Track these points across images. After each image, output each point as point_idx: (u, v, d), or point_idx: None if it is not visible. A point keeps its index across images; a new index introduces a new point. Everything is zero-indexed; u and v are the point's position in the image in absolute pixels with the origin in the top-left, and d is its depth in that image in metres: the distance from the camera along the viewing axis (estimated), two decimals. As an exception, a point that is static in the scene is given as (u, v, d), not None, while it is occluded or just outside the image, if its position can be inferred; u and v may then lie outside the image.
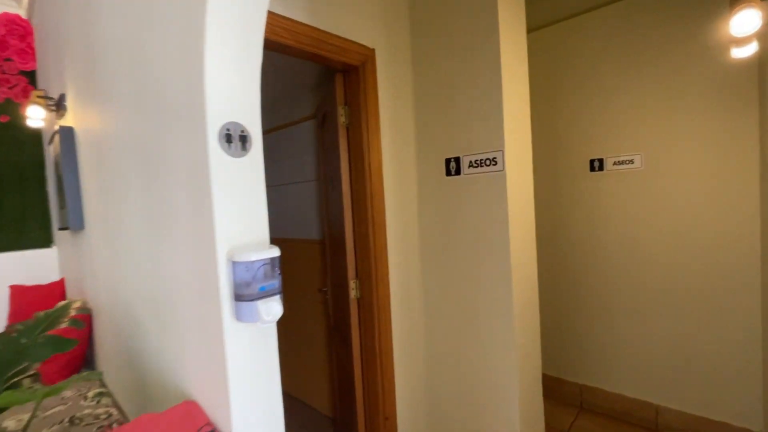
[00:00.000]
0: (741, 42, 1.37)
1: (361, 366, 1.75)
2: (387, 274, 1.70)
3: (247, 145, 0.83)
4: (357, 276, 1.74)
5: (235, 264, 0.76)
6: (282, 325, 2.95)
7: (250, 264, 0.75)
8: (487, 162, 1.63)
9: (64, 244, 2.56)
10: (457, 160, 1.74)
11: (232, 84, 0.81)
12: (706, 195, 2.10)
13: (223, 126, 0.79)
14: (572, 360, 2.67)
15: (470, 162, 1.69)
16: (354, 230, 1.73)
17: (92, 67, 1.47)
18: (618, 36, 2.34)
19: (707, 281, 2.12)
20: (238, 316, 0.77)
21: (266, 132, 2.96)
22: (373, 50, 1.66)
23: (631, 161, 2.34)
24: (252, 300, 0.75)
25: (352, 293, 1.74)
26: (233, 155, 0.80)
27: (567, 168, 2.60)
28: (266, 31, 1.26)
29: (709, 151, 2.08)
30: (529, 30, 2.70)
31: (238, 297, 0.76)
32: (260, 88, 0.88)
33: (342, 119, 1.71)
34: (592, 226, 2.52)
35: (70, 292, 2.52)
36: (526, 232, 1.73)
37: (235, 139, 0.81)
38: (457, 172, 1.75)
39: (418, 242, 1.91)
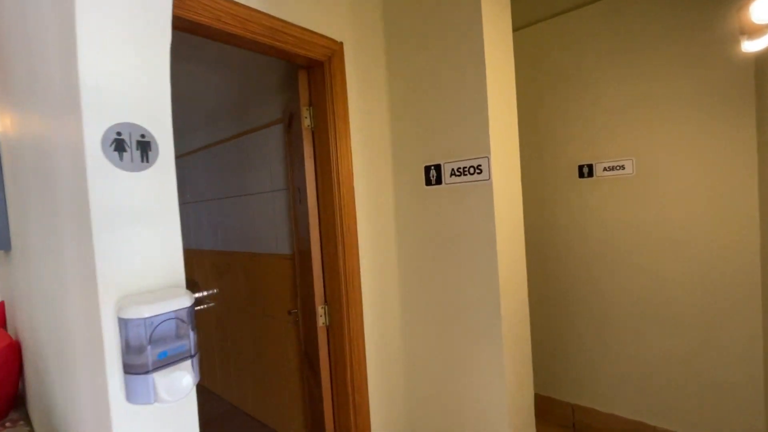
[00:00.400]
0: (755, 33, 1.23)
1: (332, 403, 1.53)
2: (360, 299, 1.49)
3: (151, 154, 0.61)
4: (326, 301, 1.52)
5: (122, 321, 0.54)
6: (251, 348, 2.70)
7: (142, 321, 0.53)
8: (471, 170, 1.45)
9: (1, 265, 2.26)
10: (438, 167, 1.55)
11: (125, 71, 0.59)
12: (703, 202, 1.97)
13: (111, 129, 0.57)
14: (564, 378, 2.50)
15: (452, 170, 1.51)
16: (322, 249, 1.52)
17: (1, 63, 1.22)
18: (607, 33, 2.21)
19: (705, 294, 1.98)
20: (128, 395, 0.54)
21: (232, 138, 2.73)
22: (340, 44, 1.46)
23: (622, 167, 2.20)
24: (146, 372, 0.53)
25: (320, 320, 1.52)
26: (128, 168, 0.59)
27: (554, 174, 2.46)
28: (207, 17, 1.05)
29: (705, 156, 1.95)
30: (514, 29, 2.55)
31: (128, 368, 0.54)
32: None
33: (306, 122, 1.51)
34: (582, 237, 2.37)
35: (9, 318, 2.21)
36: (516, 248, 1.55)
37: (130, 146, 0.59)
38: (438, 181, 1.56)
39: (397, 262, 1.71)
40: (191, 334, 0.61)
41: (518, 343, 1.52)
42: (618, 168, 2.22)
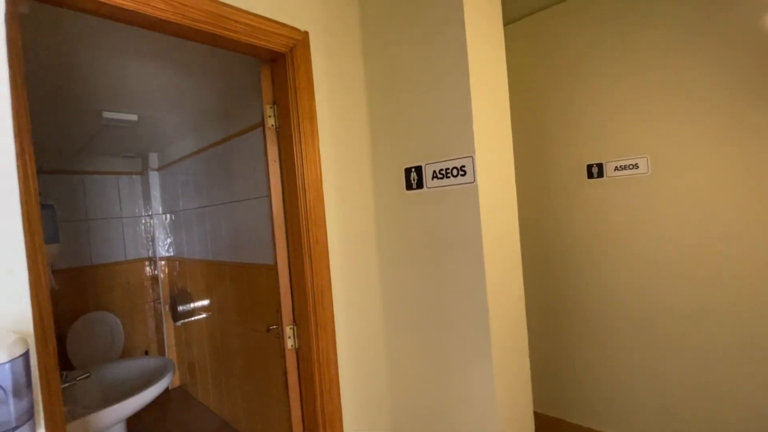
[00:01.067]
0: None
1: (303, 436, 1.37)
2: (331, 320, 1.32)
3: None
4: (294, 320, 1.36)
5: None
6: (240, 363, 2.56)
7: None
8: (455, 172, 1.27)
9: None
10: (419, 170, 1.38)
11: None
12: (730, 203, 1.73)
13: None
14: (574, 398, 2.27)
15: (434, 172, 1.33)
16: (289, 263, 1.36)
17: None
18: (615, 18, 1.99)
19: (734, 305, 1.74)
20: None
21: (218, 143, 2.61)
22: (305, 33, 1.31)
23: (636, 165, 1.98)
24: None
25: (289, 342, 1.36)
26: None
27: (560, 175, 2.24)
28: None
29: (733, 151, 1.72)
30: (511, 20, 2.36)
31: None
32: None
33: (270, 121, 1.35)
34: (592, 242, 2.15)
35: None
36: (509, 257, 1.36)
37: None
38: (420, 185, 1.38)
39: (378, 277, 1.53)
40: (26, 396, 0.45)
41: (513, 357, 1.32)
42: (631, 167, 1.99)
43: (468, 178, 1.23)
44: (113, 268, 3.32)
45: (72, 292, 3.07)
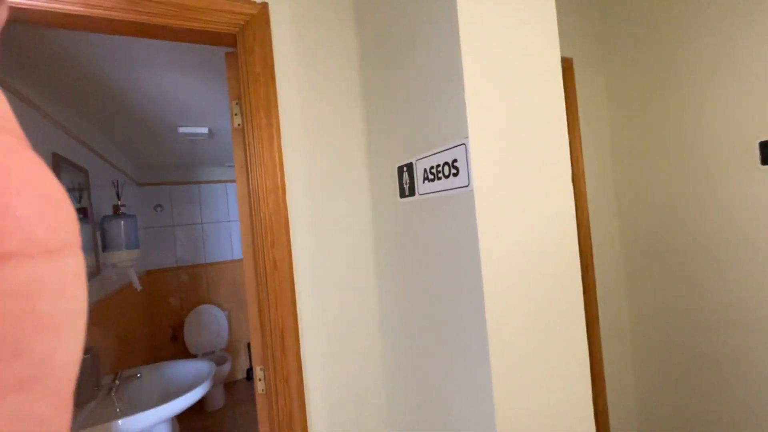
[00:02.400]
0: None
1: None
2: (297, 368, 1.03)
3: None
4: (262, 360, 1.12)
5: None
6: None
7: None
8: (446, 169, 0.82)
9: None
10: (410, 169, 0.96)
11: None
12: None
13: None
14: None
15: (425, 171, 0.90)
16: (258, 292, 1.12)
17: None
18: None
19: None
20: None
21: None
22: (262, 5, 1.04)
23: None
24: None
25: (259, 385, 1.12)
26: None
27: (713, 160, 1.43)
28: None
29: None
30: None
31: None
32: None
33: (236, 120, 1.14)
34: (757, 255, 1.30)
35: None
36: (532, 299, 0.83)
37: None
38: (411, 190, 0.96)
39: (377, 315, 1.17)
40: None
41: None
42: None
43: (461, 179, 0.77)
44: (222, 266, 3.70)
45: (190, 286, 3.54)
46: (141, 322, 3.01)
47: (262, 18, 1.03)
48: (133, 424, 1.52)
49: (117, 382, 1.67)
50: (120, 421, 1.52)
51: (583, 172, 1.66)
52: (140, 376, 1.82)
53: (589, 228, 1.67)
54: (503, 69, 0.79)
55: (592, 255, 1.67)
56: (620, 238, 1.76)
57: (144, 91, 1.80)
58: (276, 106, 1.04)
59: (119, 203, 2.16)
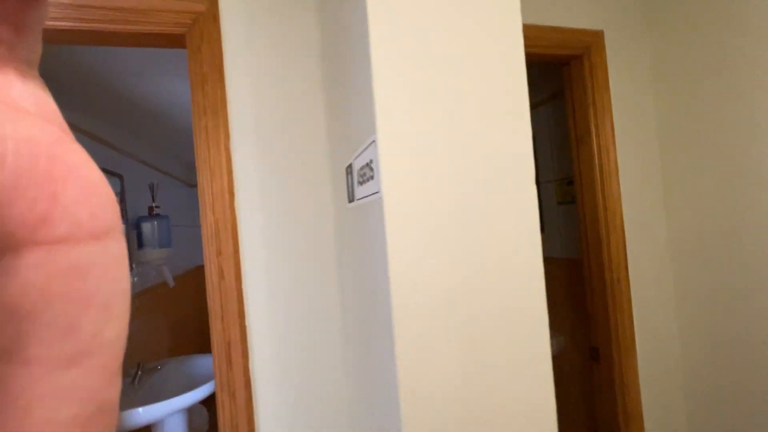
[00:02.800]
0: None
1: None
2: (246, 383, 0.97)
3: None
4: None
5: None
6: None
7: None
8: (368, 172, 0.69)
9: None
10: (351, 170, 0.84)
11: None
12: None
13: None
14: None
15: (358, 173, 0.78)
16: (207, 305, 1.08)
17: None
18: None
19: None
20: None
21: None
22: (210, 1, 0.99)
23: None
24: None
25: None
26: None
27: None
28: None
29: None
30: None
31: None
32: None
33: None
34: None
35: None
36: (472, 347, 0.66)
37: None
38: (352, 195, 0.85)
39: (339, 327, 1.06)
40: None
41: None
42: None
43: (375, 184, 0.64)
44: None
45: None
46: (179, 316, 3.24)
47: (209, 15, 0.99)
48: (149, 413, 1.61)
49: (140, 372, 1.79)
50: (140, 409, 1.62)
51: (616, 168, 1.38)
52: (160, 368, 1.93)
53: (623, 235, 1.38)
54: (430, 44, 0.64)
55: (626, 266, 1.38)
56: (667, 246, 1.44)
57: (165, 99, 1.90)
58: (224, 107, 0.99)
59: (153, 205, 2.32)
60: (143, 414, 1.59)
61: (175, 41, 1.02)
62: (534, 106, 2.06)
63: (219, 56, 0.99)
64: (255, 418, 0.99)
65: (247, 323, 0.99)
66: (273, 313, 1.02)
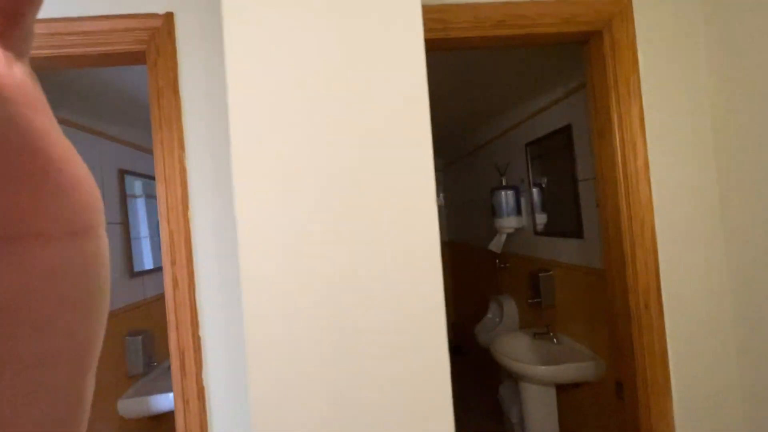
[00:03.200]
0: None
1: None
2: (200, 393, 0.99)
3: None
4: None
5: None
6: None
7: None
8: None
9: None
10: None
11: None
12: None
13: None
14: None
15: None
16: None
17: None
18: None
19: None
20: None
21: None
22: (166, 17, 1.00)
23: None
24: None
25: (192, 399, 1.13)
26: None
27: None
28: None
29: None
30: None
31: None
32: None
33: (171, 136, 1.14)
34: None
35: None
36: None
37: None
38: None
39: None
40: None
41: None
42: None
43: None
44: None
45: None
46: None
47: (164, 30, 1.00)
48: (167, 399, 1.77)
49: (167, 363, 1.97)
50: (160, 396, 1.79)
51: (646, 168, 1.11)
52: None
53: (655, 251, 1.11)
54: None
55: (659, 288, 1.11)
56: (720, 268, 1.13)
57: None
58: (179, 120, 1.00)
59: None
60: (161, 401, 1.75)
61: (138, 58, 1.06)
62: (569, 93, 1.78)
63: (174, 70, 1.00)
64: (209, 427, 1.01)
65: (201, 332, 1.01)
66: (227, 322, 1.02)
